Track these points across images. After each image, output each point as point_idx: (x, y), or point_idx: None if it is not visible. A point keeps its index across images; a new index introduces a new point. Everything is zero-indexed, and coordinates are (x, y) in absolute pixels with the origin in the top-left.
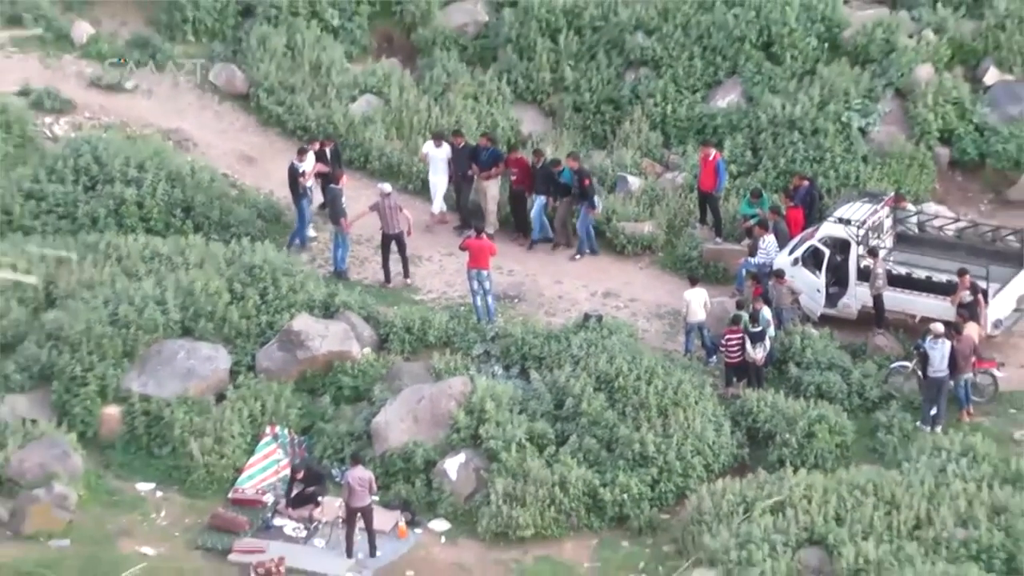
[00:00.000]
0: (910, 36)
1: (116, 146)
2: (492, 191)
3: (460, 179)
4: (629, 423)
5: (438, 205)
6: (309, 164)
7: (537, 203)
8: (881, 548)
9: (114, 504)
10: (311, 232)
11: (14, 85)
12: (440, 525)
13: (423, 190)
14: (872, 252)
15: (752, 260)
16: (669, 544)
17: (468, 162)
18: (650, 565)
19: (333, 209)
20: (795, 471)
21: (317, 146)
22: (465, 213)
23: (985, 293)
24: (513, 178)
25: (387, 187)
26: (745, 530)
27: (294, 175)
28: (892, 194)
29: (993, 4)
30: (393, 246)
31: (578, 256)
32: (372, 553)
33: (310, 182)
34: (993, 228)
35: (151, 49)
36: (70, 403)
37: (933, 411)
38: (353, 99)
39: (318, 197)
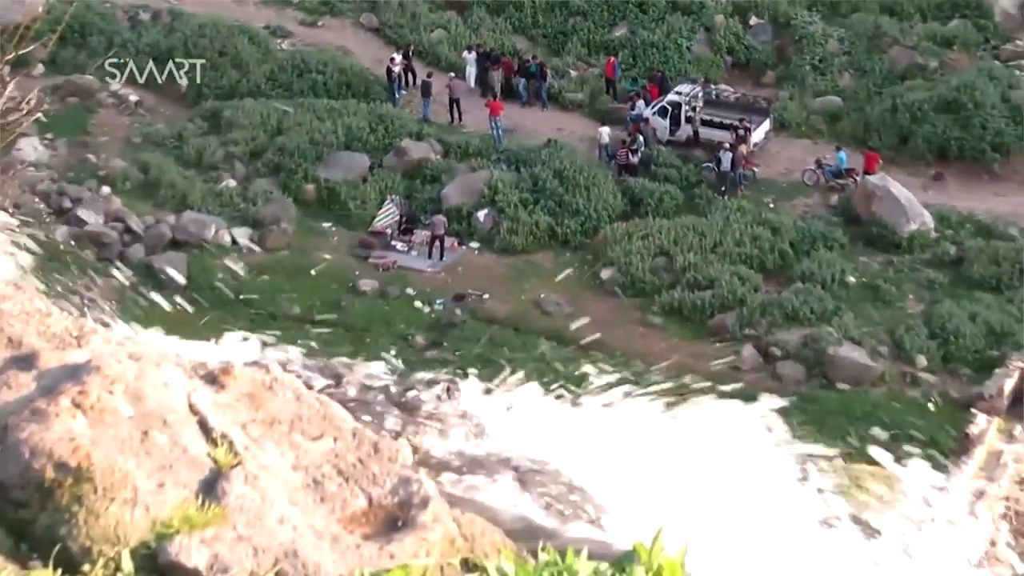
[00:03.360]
0: (712, 1)
1: (312, 54)
2: (497, 76)
3: (481, 70)
4: (570, 193)
5: (471, 82)
6: (397, 67)
7: (521, 83)
8: (696, 256)
9: (311, 234)
10: (404, 92)
11: (262, 23)
12: (475, 245)
13: (463, 76)
14: (693, 108)
15: (632, 112)
16: (590, 255)
17: (485, 61)
18: (581, 265)
19: (426, 90)
20: (653, 218)
21: (402, 51)
22: (483, 88)
23: (749, 129)
24: (504, 72)
25: (453, 74)
26: (628, 247)
27: (389, 72)
28: (702, 79)
29: None
30: (455, 106)
31: (544, 109)
32: (441, 258)
33: (398, 69)
34: (753, 97)
35: (330, 6)
36: (289, 182)
37: (723, 189)
38: (432, 31)
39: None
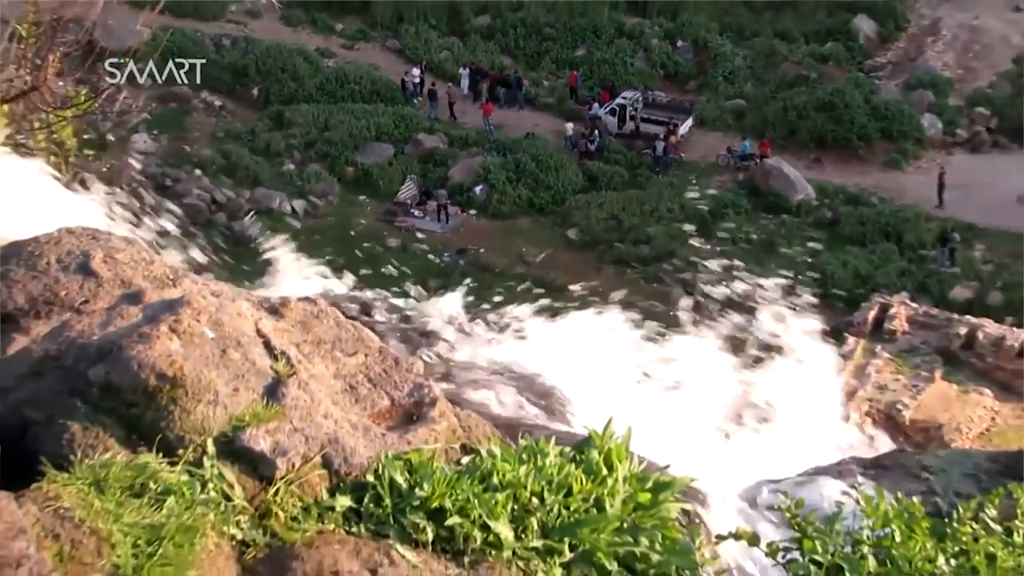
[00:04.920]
0: (649, 29)
1: (350, 70)
2: (484, 86)
3: (473, 81)
4: (544, 173)
5: (464, 91)
6: (411, 79)
7: (502, 91)
8: (638, 219)
9: (350, 204)
10: (420, 98)
11: (313, 46)
12: (473, 212)
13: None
14: (635, 109)
15: (590, 112)
16: (559, 219)
17: (476, 75)
18: (554, 227)
19: (432, 96)
20: (606, 191)
21: (419, 67)
22: (475, 95)
23: (677, 124)
24: (490, 82)
25: (451, 84)
26: (587, 213)
27: (403, 83)
28: (642, 87)
29: (681, 19)
30: (452, 108)
31: (520, 110)
32: (447, 222)
33: (416, 81)
34: (680, 100)
35: (364, 33)
36: (334, 166)
37: (658, 169)
38: (440, 52)
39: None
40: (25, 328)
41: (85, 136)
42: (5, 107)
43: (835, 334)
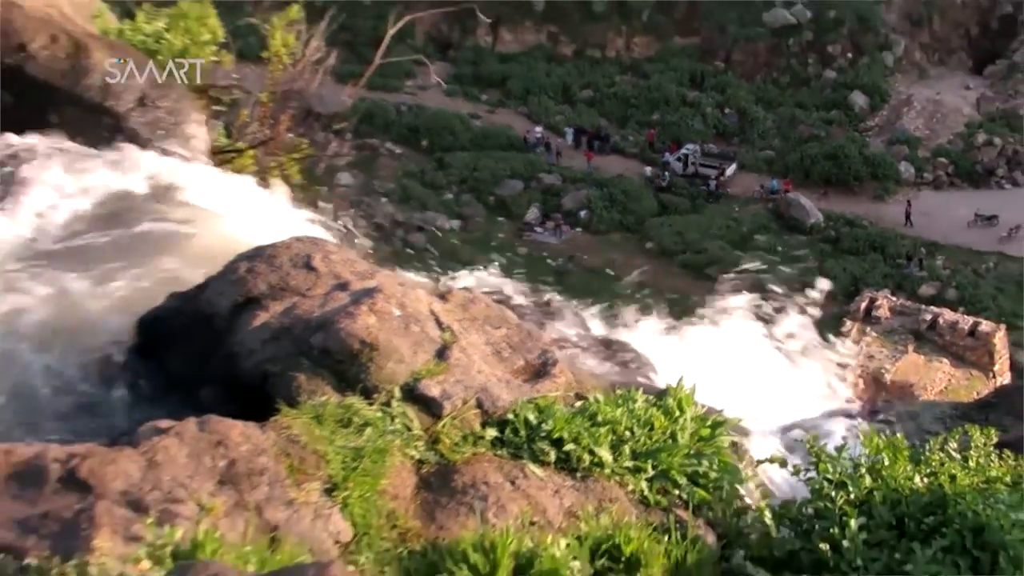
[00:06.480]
0: (705, 100)
1: (492, 128)
2: (583, 139)
3: (576, 136)
4: (630, 202)
5: (568, 142)
6: (533, 135)
7: (597, 143)
8: (697, 236)
9: (492, 224)
10: (541, 149)
11: (466, 111)
12: (579, 229)
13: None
14: (695, 157)
15: (663, 159)
16: (640, 235)
17: (579, 132)
18: (637, 241)
19: (548, 147)
20: (673, 216)
21: (541, 126)
22: (577, 145)
23: (724, 169)
24: (588, 137)
25: (560, 139)
26: (661, 231)
27: (525, 138)
28: (700, 142)
29: (728, 93)
30: (558, 155)
31: (608, 156)
32: (561, 236)
33: (538, 136)
34: (727, 151)
35: (502, 102)
36: (481, 196)
37: (711, 200)
38: (556, 116)
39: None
40: (265, 307)
41: (305, 173)
42: (251, 152)
43: (838, 318)
